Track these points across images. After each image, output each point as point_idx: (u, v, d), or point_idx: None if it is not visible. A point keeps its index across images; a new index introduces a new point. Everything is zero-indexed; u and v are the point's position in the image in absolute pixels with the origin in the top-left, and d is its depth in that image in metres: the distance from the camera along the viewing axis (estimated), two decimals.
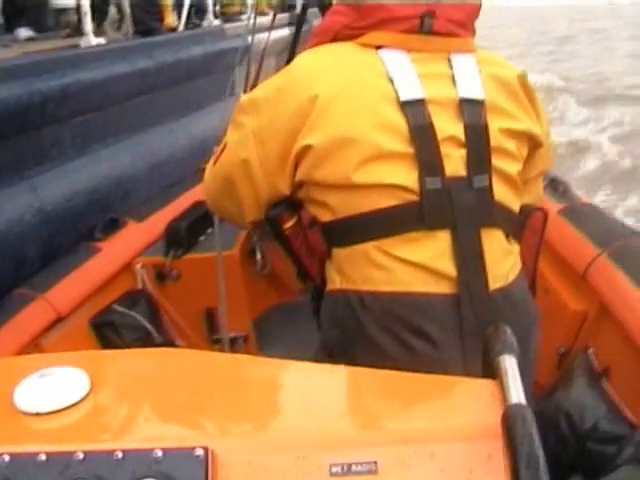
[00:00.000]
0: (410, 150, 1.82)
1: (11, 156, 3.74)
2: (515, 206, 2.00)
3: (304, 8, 3.42)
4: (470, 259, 1.84)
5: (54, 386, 1.27)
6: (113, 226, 3.73)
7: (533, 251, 2.14)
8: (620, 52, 27.54)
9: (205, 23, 6.40)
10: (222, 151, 2.11)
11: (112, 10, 6.37)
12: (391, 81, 1.87)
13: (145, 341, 3.37)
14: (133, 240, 3.70)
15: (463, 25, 2.01)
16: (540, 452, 1.06)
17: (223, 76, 6.32)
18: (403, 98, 1.86)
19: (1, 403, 1.26)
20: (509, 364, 1.25)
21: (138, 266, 3.61)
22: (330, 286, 1.95)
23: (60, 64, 4.03)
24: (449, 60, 1.97)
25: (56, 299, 3.16)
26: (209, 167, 2.23)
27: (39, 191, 3.78)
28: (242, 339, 3.62)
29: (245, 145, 1.97)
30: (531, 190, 2.17)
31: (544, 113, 2.12)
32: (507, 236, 1.96)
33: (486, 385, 1.27)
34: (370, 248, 1.84)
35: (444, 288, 1.82)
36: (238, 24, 6.98)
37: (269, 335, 3.76)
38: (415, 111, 1.85)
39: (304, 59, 2.01)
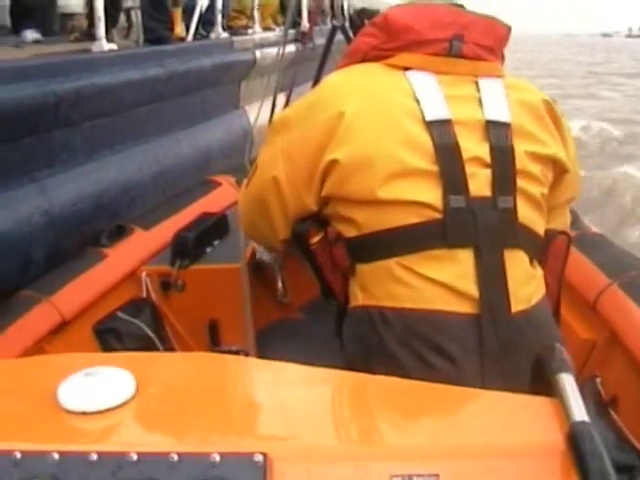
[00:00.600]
0: (435, 168, 1.83)
1: (22, 157, 3.72)
2: (540, 229, 2.01)
3: (334, 29, 3.43)
4: (492, 280, 1.83)
5: (100, 386, 1.25)
6: (120, 233, 3.70)
7: (556, 275, 2.14)
8: None
9: (213, 35, 6.40)
10: (254, 173, 2.14)
11: (121, 17, 6.38)
12: (417, 101, 1.89)
13: (148, 350, 3.34)
14: (139, 248, 3.68)
15: (492, 50, 2.04)
16: (611, 469, 1.06)
17: (230, 88, 6.37)
18: (429, 118, 1.87)
19: (45, 401, 1.23)
20: (568, 382, 1.26)
21: (143, 274, 3.58)
22: (353, 302, 1.95)
23: (74, 67, 4.02)
24: (476, 83, 1.99)
25: (61, 303, 3.14)
26: (242, 190, 2.27)
27: (48, 193, 3.76)
28: (244, 353, 3.60)
29: (275, 163, 2.01)
30: (557, 218, 2.18)
31: (572, 140, 2.13)
32: (531, 259, 1.96)
33: (545, 403, 1.26)
34: (393, 264, 1.84)
35: (466, 308, 1.81)
36: (247, 37, 7.01)
37: (271, 351, 3.74)
38: (440, 130, 1.87)
39: (333, 78, 2.06)
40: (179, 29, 6.32)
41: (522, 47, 58.28)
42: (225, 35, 6.52)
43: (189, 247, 3.63)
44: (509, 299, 1.84)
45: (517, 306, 1.85)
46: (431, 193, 1.83)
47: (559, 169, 2.05)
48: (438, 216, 1.82)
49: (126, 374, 1.28)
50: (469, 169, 1.86)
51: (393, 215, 1.83)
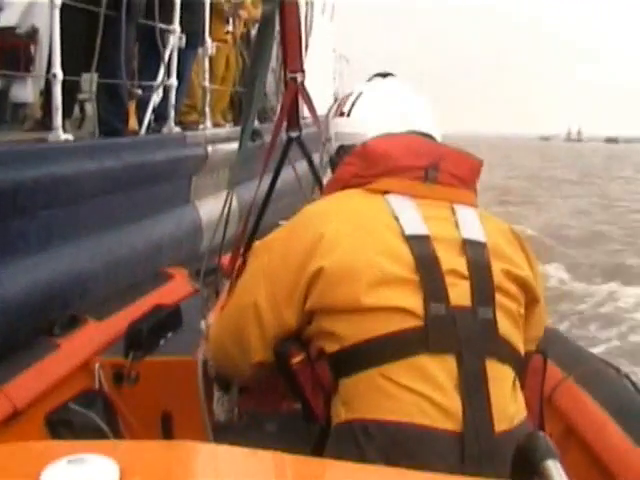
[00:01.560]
0: (415, 277, 1.90)
1: None
2: (519, 344, 2.05)
3: (289, 140, 3.50)
4: (475, 391, 1.86)
5: (83, 473, 1.24)
6: (73, 323, 3.69)
7: (537, 393, 2.19)
8: None
9: (165, 129, 6.45)
10: (230, 299, 2.19)
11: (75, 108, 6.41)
12: (396, 219, 1.99)
13: None
14: (92, 339, 3.67)
15: (465, 181, 2.17)
16: None
17: (181, 182, 6.41)
18: (408, 232, 1.96)
19: None
20: (555, 469, 1.28)
21: (96, 365, 3.56)
22: (335, 420, 1.95)
23: (32, 156, 4.03)
24: (452, 208, 2.09)
25: (13, 392, 3.10)
26: (215, 317, 2.30)
27: (1, 282, 3.72)
28: None
29: (255, 286, 2.08)
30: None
31: (539, 272, 2.22)
32: (514, 375, 1.99)
33: None
34: (375, 375, 1.87)
35: (450, 424, 1.83)
36: (199, 132, 7.08)
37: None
38: (419, 244, 1.95)
39: (314, 204, 2.17)
40: (132, 122, 6.36)
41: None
42: (177, 130, 6.58)
43: (143, 339, 3.62)
44: (492, 417, 1.85)
45: (500, 426, 1.87)
46: (412, 300, 1.88)
47: (530, 296, 2.12)
48: (419, 323, 1.87)
49: (109, 462, 1.27)
50: (448, 279, 1.92)
51: (376, 323, 1.87)
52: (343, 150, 2.35)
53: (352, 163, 2.18)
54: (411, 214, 2.01)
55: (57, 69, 4.45)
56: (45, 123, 5.03)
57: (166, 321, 3.81)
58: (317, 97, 11.83)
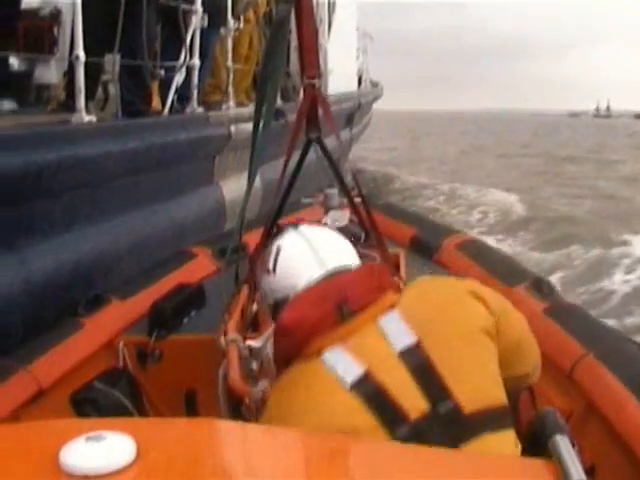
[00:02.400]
0: (372, 417, 1.95)
1: (2, 226, 3.73)
2: (496, 401, 2.06)
3: (308, 143, 3.52)
4: None
5: (101, 450, 1.27)
6: (97, 303, 3.72)
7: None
8: None
9: (188, 109, 6.46)
10: None
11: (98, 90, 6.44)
12: (337, 378, 2.03)
13: None
14: (116, 318, 3.70)
15: (377, 290, 2.25)
16: None
17: (205, 163, 6.44)
18: (350, 382, 2.01)
19: (47, 465, 1.25)
20: (563, 444, 1.29)
21: (120, 344, 3.59)
22: None
23: (55, 138, 4.06)
24: (377, 324, 2.15)
25: (38, 372, 3.14)
26: None
27: (27, 263, 3.77)
28: None
29: None
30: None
31: (512, 312, 2.31)
32: (507, 432, 1.98)
33: (542, 464, 1.30)
34: None
35: None
36: (222, 112, 7.09)
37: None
38: (363, 385, 2.01)
39: (272, 409, 2.16)
40: (155, 102, 6.38)
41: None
42: (200, 110, 6.59)
43: (166, 318, 3.65)
44: None
45: None
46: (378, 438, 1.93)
47: (501, 339, 2.18)
48: None
49: (127, 439, 1.30)
50: (399, 398, 1.99)
51: None
52: (278, 303, 2.44)
53: (278, 341, 2.29)
54: (345, 362, 2.08)
55: (80, 51, 4.47)
56: (68, 105, 5.06)
57: (189, 300, 3.84)
58: (341, 75, 11.76)
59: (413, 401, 1.99)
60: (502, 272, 3.97)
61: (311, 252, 2.49)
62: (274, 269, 2.54)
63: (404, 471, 1.38)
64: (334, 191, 4.58)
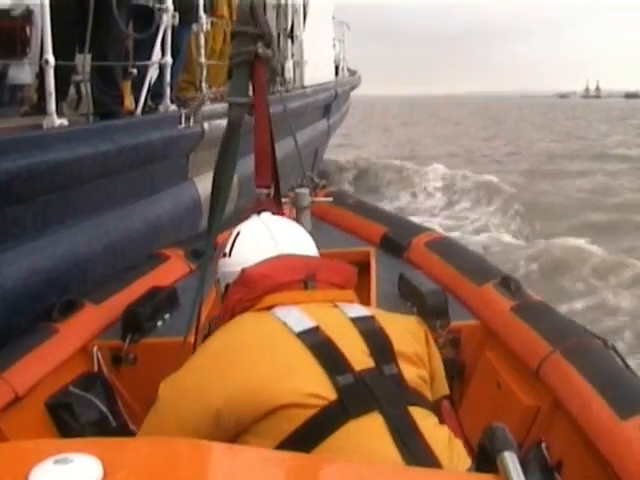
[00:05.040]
0: (314, 362, 2.04)
1: None
2: (428, 394, 2.21)
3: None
4: (410, 437, 1.95)
5: (69, 473, 1.30)
6: (71, 307, 3.75)
7: (459, 435, 2.25)
8: None
9: (162, 108, 6.46)
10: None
11: (71, 89, 6.41)
12: (285, 324, 2.15)
13: (101, 424, 3.36)
14: (90, 322, 3.73)
15: (341, 286, 2.42)
16: None
17: (179, 160, 6.44)
18: (297, 330, 2.12)
19: None
20: (511, 460, 1.34)
21: (95, 349, 3.62)
22: None
23: (26, 144, 4.06)
24: (335, 305, 2.30)
25: (14, 379, 3.16)
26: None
27: (0, 270, 3.78)
28: None
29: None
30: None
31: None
32: (437, 419, 2.12)
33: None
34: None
35: None
36: (194, 110, 7.07)
37: None
38: (310, 335, 2.11)
39: (215, 340, 2.29)
40: (128, 102, 6.37)
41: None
42: (174, 108, 6.58)
43: (140, 321, 3.69)
44: (439, 460, 1.92)
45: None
46: (319, 382, 2.01)
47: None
48: (333, 397, 1.98)
49: (94, 460, 1.34)
50: (346, 352, 2.08)
51: (293, 416, 1.96)
52: (230, 287, 2.52)
53: (236, 291, 2.41)
54: (296, 315, 2.19)
55: (49, 55, 4.45)
56: (40, 106, 5.06)
57: (162, 303, 3.87)
58: (317, 65, 11.69)
59: (359, 356, 2.09)
60: (471, 270, 4.03)
61: (268, 236, 2.61)
62: (230, 252, 2.66)
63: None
64: (304, 190, 4.63)
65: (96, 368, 3.62)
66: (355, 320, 2.21)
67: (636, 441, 2.41)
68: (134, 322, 3.69)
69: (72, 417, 3.33)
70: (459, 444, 2.06)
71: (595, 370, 2.90)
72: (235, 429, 1.99)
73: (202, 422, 2.00)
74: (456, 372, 3.60)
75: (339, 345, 2.08)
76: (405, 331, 2.29)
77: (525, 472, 2.85)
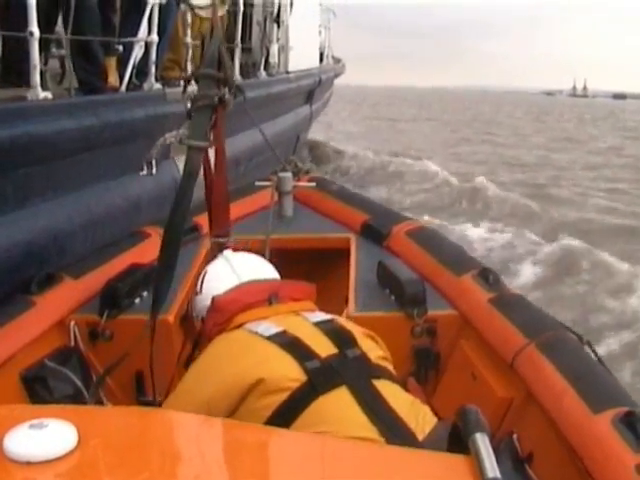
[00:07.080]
0: (285, 354, 2.35)
1: None
2: (393, 371, 2.52)
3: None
4: (378, 406, 2.21)
5: (44, 437, 1.31)
6: (49, 281, 3.73)
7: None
8: None
9: (146, 86, 6.42)
10: None
11: (55, 64, 6.36)
12: (256, 333, 2.47)
13: (75, 399, 3.36)
14: (68, 297, 3.72)
15: (302, 298, 2.78)
16: None
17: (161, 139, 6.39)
18: (267, 335, 2.44)
19: None
20: (482, 441, 1.36)
21: (72, 323, 3.62)
22: None
23: (9, 115, 4.03)
24: (299, 315, 2.64)
25: None
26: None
27: None
28: None
29: None
30: None
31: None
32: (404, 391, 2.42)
33: (461, 460, 1.36)
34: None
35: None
36: (180, 89, 7.03)
37: None
38: (279, 337, 2.43)
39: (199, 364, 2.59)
40: (112, 78, 6.31)
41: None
42: (158, 86, 6.54)
43: (118, 298, 3.68)
44: (408, 425, 2.18)
45: (419, 430, 2.19)
46: (291, 368, 2.30)
47: None
48: (303, 379, 2.26)
49: (69, 426, 1.34)
50: (312, 345, 2.40)
51: (269, 401, 2.23)
52: (205, 317, 2.84)
53: (209, 317, 2.75)
54: (265, 325, 2.52)
55: (34, 27, 4.40)
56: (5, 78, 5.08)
57: (141, 280, 3.87)
58: (302, 51, 11.65)
59: (323, 346, 2.40)
60: (450, 260, 4.05)
61: (229, 268, 2.96)
62: (200, 289, 2.99)
63: (331, 466, 1.43)
64: (288, 174, 4.62)
65: (72, 343, 3.62)
66: (318, 323, 2.52)
67: (606, 435, 2.43)
68: (112, 298, 3.69)
69: (46, 390, 3.33)
70: (424, 407, 2.32)
71: (569, 364, 2.92)
72: (226, 414, 2.21)
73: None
74: (431, 361, 3.62)
75: (304, 340, 2.39)
76: (362, 332, 2.60)
77: (496, 461, 2.91)
